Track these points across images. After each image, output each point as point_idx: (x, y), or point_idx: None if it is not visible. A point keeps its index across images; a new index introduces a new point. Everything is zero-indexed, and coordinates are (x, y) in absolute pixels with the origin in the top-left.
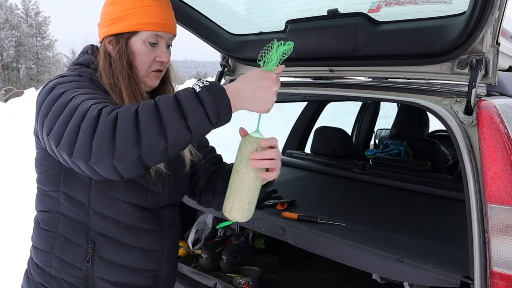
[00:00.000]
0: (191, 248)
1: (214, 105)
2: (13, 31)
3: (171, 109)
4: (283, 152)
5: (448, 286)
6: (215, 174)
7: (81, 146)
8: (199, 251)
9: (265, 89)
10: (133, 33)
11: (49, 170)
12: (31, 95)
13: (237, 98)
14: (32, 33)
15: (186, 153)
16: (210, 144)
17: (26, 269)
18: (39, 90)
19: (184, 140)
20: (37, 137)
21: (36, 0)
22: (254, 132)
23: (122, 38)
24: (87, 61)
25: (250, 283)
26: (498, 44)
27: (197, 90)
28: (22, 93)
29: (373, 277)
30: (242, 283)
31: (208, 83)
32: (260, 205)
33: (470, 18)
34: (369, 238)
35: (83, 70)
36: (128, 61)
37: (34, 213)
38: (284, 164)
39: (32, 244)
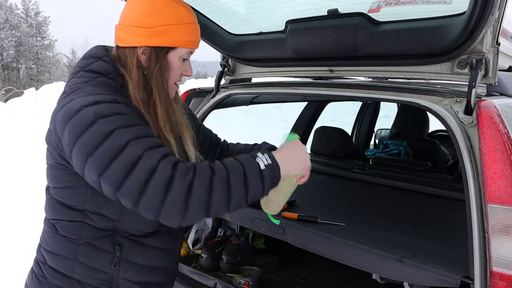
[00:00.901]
0: (191, 248)
1: (270, 185)
2: (13, 31)
3: (240, 185)
4: None
5: (448, 286)
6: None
7: (152, 202)
8: (199, 251)
9: (298, 149)
10: (172, 48)
11: (73, 186)
12: (31, 95)
13: (285, 164)
14: (32, 33)
15: (191, 149)
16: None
17: (34, 271)
18: (62, 111)
19: (238, 208)
20: (53, 149)
21: (36, 0)
22: None
23: (162, 52)
24: (105, 69)
25: (250, 283)
26: (498, 44)
27: (262, 168)
28: (22, 93)
29: (373, 277)
30: (242, 283)
31: (271, 162)
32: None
33: (470, 18)
34: (369, 238)
35: (101, 80)
36: (166, 76)
37: (35, 213)
38: None
39: (44, 248)
